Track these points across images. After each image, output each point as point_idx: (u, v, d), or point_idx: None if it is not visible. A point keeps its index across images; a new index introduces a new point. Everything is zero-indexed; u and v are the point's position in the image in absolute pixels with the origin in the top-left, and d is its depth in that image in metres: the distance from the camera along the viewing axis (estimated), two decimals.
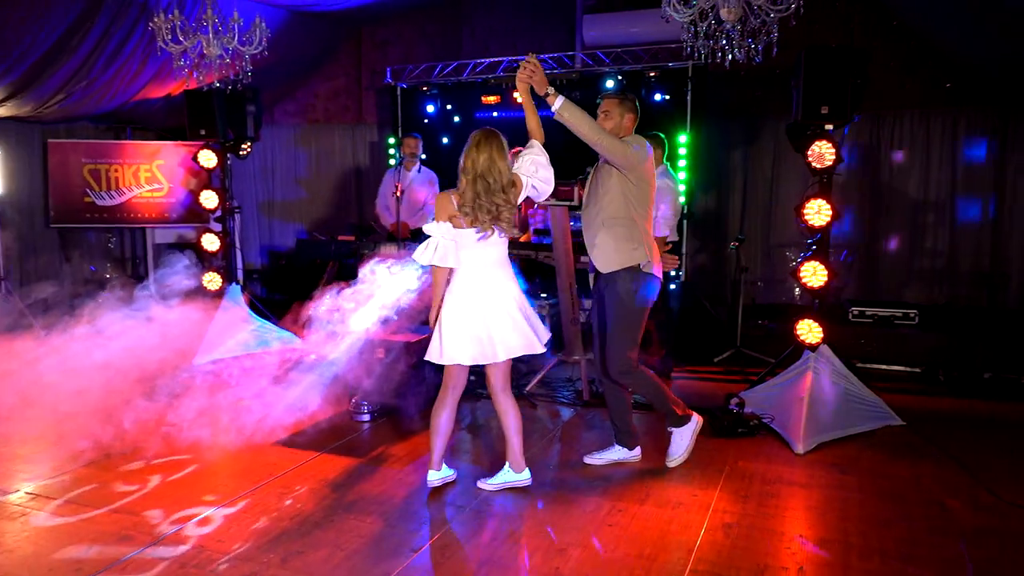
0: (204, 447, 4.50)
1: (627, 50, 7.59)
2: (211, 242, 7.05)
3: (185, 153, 8.31)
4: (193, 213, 8.31)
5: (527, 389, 5.58)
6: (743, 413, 4.73)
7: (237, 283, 7.12)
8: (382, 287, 5.62)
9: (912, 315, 6.05)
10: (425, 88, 8.32)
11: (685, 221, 7.17)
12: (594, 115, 3.99)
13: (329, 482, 3.98)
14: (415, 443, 4.60)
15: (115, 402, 4.95)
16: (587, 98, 7.65)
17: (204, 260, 7.18)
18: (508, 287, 3.73)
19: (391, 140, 8.61)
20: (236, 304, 6.98)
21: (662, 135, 6.08)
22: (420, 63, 8.60)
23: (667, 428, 4.25)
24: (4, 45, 6.22)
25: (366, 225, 7.03)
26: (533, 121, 3.83)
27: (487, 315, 3.65)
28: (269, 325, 7.00)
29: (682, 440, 4.20)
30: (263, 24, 6.00)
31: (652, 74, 7.30)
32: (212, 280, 7.02)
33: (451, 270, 3.73)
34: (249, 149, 7.15)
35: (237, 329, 6.84)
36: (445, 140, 8.44)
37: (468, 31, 9.08)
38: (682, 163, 7.07)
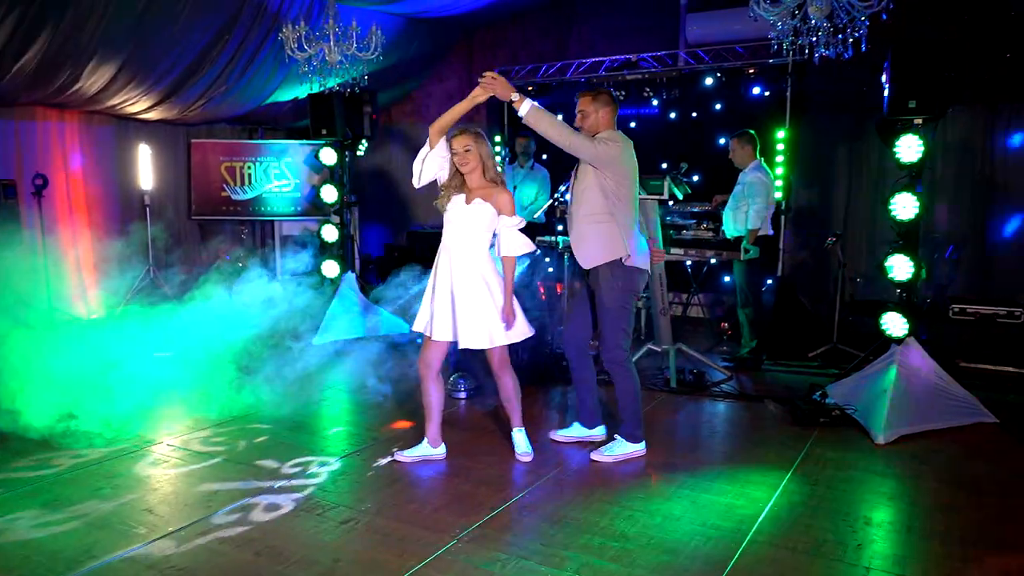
0: (319, 413, 5.03)
1: (726, 47, 7.67)
2: (331, 233, 7.67)
3: (309, 151, 9.00)
4: (315, 207, 8.99)
5: None
6: (825, 403, 4.80)
7: (353, 272, 7.72)
8: None
9: (1018, 314, 5.87)
10: (530, 88, 8.66)
11: (783, 216, 7.20)
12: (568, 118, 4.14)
13: (426, 447, 4.39)
14: (501, 419, 4.95)
15: (244, 371, 5.59)
16: (686, 96, 7.83)
17: (324, 250, 7.82)
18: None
19: (497, 139, 9.01)
20: (352, 291, 7.57)
21: (752, 132, 6.17)
22: (527, 64, 8.95)
23: (615, 433, 4.30)
24: (156, 58, 7.03)
25: None
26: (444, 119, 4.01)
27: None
28: (381, 311, 7.54)
29: (620, 449, 4.22)
30: (379, 32, 6.51)
31: (751, 71, 7.35)
32: (331, 268, 7.65)
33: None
34: (365, 147, 7.74)
35: (351, 314, 7.43)
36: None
37: (575, 33, 9.36)
38: (779, 158, 7.09)
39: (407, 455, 4.16)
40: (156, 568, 3.00)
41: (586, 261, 4.12)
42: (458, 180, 3.98)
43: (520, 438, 4.25)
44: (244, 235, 9.96)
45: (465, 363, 5.52)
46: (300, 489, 3.79)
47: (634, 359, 5.87)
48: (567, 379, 5.77)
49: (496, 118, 9.18)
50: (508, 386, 4.15)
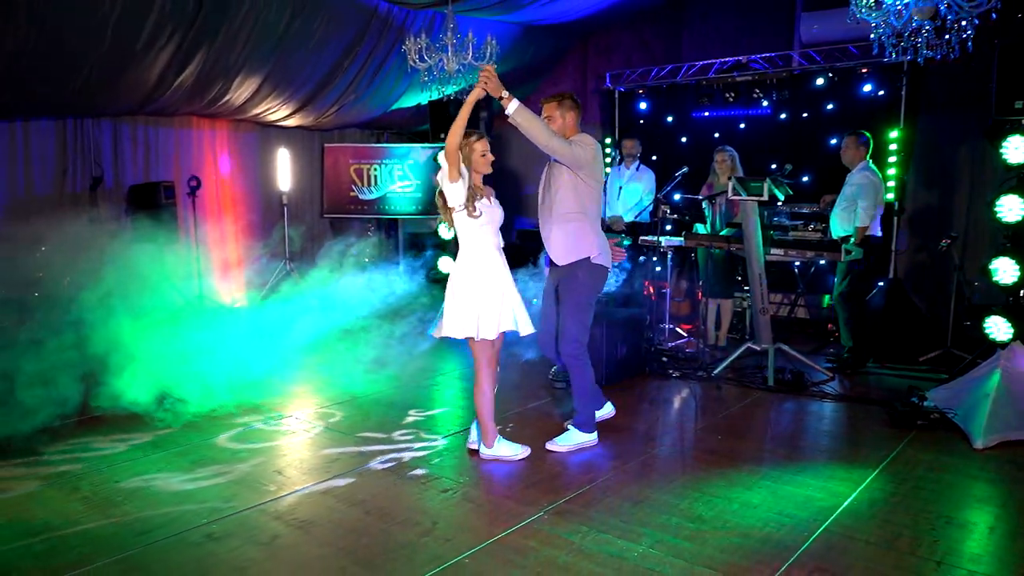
0: (430, 396, 5.48)
1: (838, 47, 7.57)
2: (447, 231, 8.15)
3: (430, 153, 9.54)
4: (435, 206, 9.48)
5: (715, 372, 5.95)
6: (923, 406, 4.78)
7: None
8: None
9: None
10: (641, 91, 8.84)
11: (896, 218, 7.06)
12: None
13: (524, 431, 4.73)
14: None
15: (365, 356, 6.14)
16: (797, 97, 7.78)
17: (442, 247, 8.33)
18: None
19: (608, 140, 9.23)
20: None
21: (867, 133, 6.12)
22: (640, 67, 9.13)
23: (566, 423, 4.49)
24: (295, 71, 7.73)
25: None
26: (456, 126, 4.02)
27: (512, 291, 4.18)
28: None
29: (572, 439, 4.38)
30: (494, 42, 6.91)
31: (864, 70, 7.24)
32: (446, 264, 8.14)
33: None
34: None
35: None
36: (659, 139, 8.90)
37: (688, 35, 9.44)
38: (892, 159, 6.96)
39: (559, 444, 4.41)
40: (282, 519, 3.49)
41: (561, 258, 4.27)
42: (473, 184, 4.07)
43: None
44: (370, 232, 10.65)
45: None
46: (407, 461, 4.22)
47: (733, 357, 6.04)
48: (666, 374, 6.00)
49: (607, 119, 9.40)
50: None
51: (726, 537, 3.32)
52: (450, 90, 7.69)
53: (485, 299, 4.01)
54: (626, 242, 7.00)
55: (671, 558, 3.13)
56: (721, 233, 6.47)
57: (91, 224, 7.59)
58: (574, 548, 3.21)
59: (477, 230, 4.05)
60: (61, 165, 7.57)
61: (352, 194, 9.90)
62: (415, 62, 7.01)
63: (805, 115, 7.86)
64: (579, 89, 10.72)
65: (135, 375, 5.09)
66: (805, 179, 7.61)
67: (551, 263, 4.43)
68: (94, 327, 5.26)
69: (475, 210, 4.00)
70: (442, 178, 4.02)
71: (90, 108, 7.29)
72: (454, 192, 4.00)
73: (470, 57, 6.95)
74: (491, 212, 4.08)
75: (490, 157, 4.10)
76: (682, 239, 6.40)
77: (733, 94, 8.04)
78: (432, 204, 9.74)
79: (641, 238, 6.83)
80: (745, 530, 3.39)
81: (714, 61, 8.27)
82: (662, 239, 6.53)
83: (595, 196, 4.29)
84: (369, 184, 9.89)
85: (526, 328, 4.16)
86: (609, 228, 7.26)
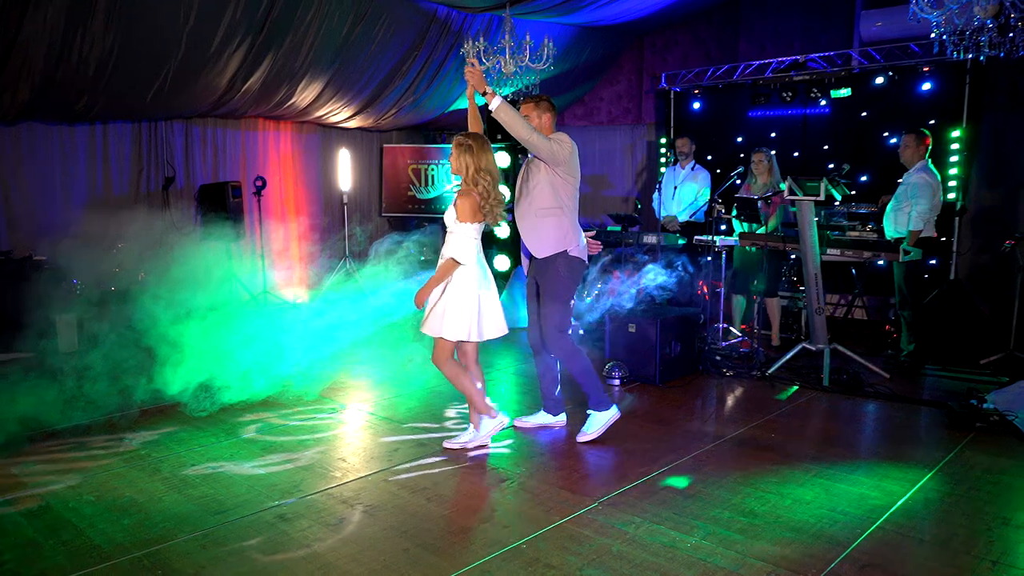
0: (486, 391, 5.61)
1: (899, 45, 7.47)
2: (503, 230, 8.31)
3: None
4: None
5: (769, 372, 5.96)
6: (982, 408, 4.73)
7: (521, 266, 8.30)
8: (638, 272, 6.40)
9: None
10: (696, 91, 8.85)
11: (957, 218, 6.95)
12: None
13: (577, 425, 4.83)
14: (652, 404, 5.30)
15: (423, 353, 6.29)
16: (856, 95, 7.70)
17: (497, 246, 8.46)
18: (491, 274, 4.30)
19: (663, 140, 9.26)
20: (522, 284, 8.15)
21: (926, 131, 6.06)
22: (696, 67, 9.14)
23: (587, 410, 4.55)
24: (356, 74, 7.97)
25: (629, 216, 7.77)
26: (478, 129, 4.31)
27: (491, 296, 4.24)
28: None
29: (597, 422, 4.51)
30: (551, 44, 7.03)
31: (925, 68, 7.14)
32: (502, 263, 8.28)
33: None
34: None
35: (520, 306, 8.00)
36: (715, 139, 8.91)
37: (745, 34, 9.41)
38: (953, 158, 6.85)
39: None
40: (348, 503, 3.67)
41: (540, 251, 4.40)
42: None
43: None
44: (427, 231, 10.87)
45: (618, 352, 5.89)
46: (472, 456, 4.36)
47: (788, 357, 6.04)
48: (720, 373, 6.04)
49: (662, 119, 9.43)
50: (478, 380, 4.43)
51: (778, 531, 3.38)
52: (506, 91, 7.83)
53: (483, 303, 4.23)
54: (681, 241, 7.05)
55: (723, 549, 3.20)
56: (757, 232, 6.48)
57: (164, 222, 7.97)
58: (628, 537, 3.31)
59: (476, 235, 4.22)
60: (137, 166, 7.95)
61: (410, 193, 10.13)
62: (473, 65, 7.16)
63: (864, 114, 7.77)
64: (634, 89, 10.77)
65: (204, 367, 5.35)
66: (863, 179, 7.55)
67: (529, 259, 4.55)
68: (166, 320, 5.54)
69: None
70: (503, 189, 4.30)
71: (165, 111, 7.65)
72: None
73: (527, 59, 7.09)
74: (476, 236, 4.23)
75: None
76: (736, 239, 6.42)
77: (790, 93, 8.00)
78: None
79: (695, 238, 6.86)
80: (797, 525, 3.44)
81: (771, 61, 8.24)
82: (716, 239, 6.56)
83: (572, 191, 4.42)
84: (426, 184, 10.11)
85: (490, 332, 4.24)
86: (664, 228, 7.31)
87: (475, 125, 4.31)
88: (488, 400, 4.45)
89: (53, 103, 6.55)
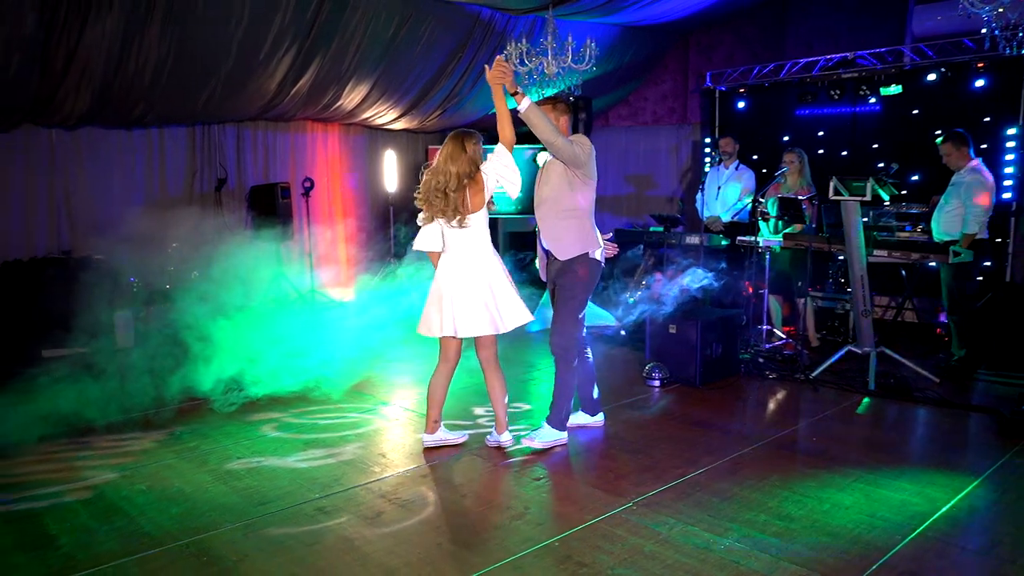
0: (525, 390, 5.67)
1: (951, 40, 7.28)
2: None
3: (529, 154, 9.73)
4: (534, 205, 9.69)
5: (813, 375, 5.88)
6: None
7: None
8: (680, 273, 6.38)
9: None
10: (742, 89, 8.75)
11: (1013, 219, 6.75)
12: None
13: (614, 426, 4.85)
14: (691, 406, 5.27)
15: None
16: (907, 93, 7.54)
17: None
18: (482, 270, 4.22)
19: (707, 140, 9.19)
20: None
21: (960, 131, 5.89)
22: (741, 66, 9.04)
23: (544, 421, 4.48)
24: (402, 76, 8.09)
25: (672, 216, 7.73)
26: (508, 130, 4.16)
27: (455, 294, 4.18)
28: (589, 303, 8.05)
29: (548, 435, 4.43)
30: (593, 44, 7.04)
31: (979, 64, 6.94)
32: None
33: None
34: None
35: None
36: (760, 138, 8.80)
37: (792, 32, 9.28)
38: (1010, 156, 6.65)
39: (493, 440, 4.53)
40: (386, 497, 3.75)
41: (563, 253, 4.36)
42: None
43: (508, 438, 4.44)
44: None
45: (660, 353, 5.88)
46: (503, 450, 4.41)
47: (833, 360, 5.94)
48: (762, 375, 5.98)
49: (707, 118, 9.35)
50: (495, 389, 4.39)
51: (815, 535, 3.35)
52: (549, 92, 7.85)
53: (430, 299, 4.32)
54: (724, 242, 6.99)
55: (757, 552, 3.19)
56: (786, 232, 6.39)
57: (216, 222, 8.20)
58: (661, 538, 3.32)
59: (457, 233, 4.25)
60: (191, 168, 8.20)
61: None
62: (516, 66, 7.22)
63: (915, 112, 7.59)
64: (679, 89, 10.70)
65: (251, 363, 5.51)
66: (914, 178, 7.38)
67: (547, 261, 4.53)
68: (216, 318, 5.72)
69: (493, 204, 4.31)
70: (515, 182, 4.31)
71: (217, 115, 7.87)
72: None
73: (569, 60, 7.11)
74: (477, 219, 4.25)
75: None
76: (780, 239, 6.34)
77: (839, 91, 7.87)
78: (530, 203, 9.99)
79: (738, 238, 6.80)
80: (835, 530, 3.40)
81: (819, 58, 8.11)
82: (760, 239, 6.49)
83: (591, 193, 4.41)
84: None
85: (463, 330, 4.20)
86: (707, 228, 7.25)
87: (506, 127, 4.21)
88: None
89: (111, 109, 6.80)
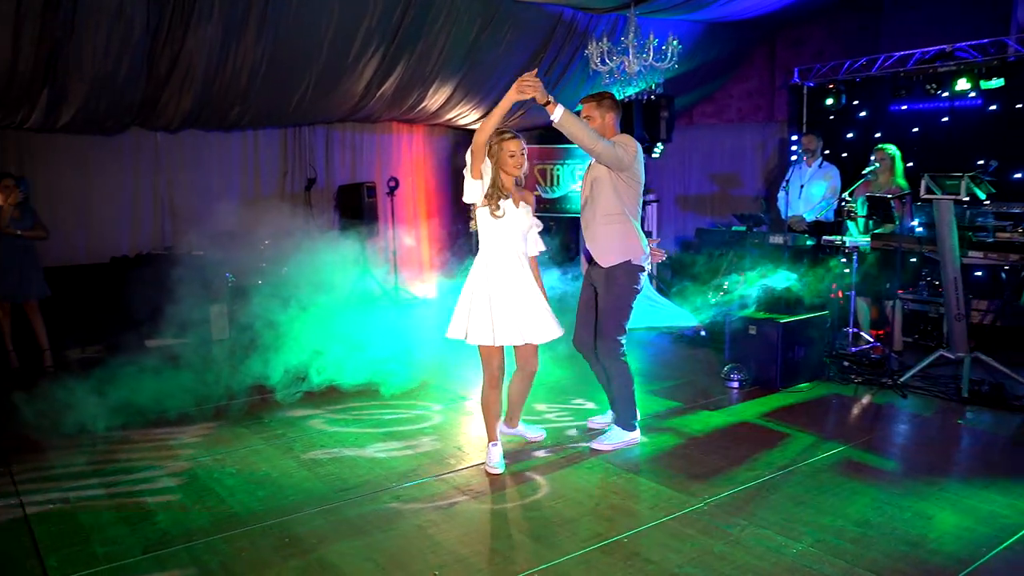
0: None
1: None
2: None
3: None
4: None
5: (902, 380, 5.67)
6: None
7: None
8: (761, 275, 6.27)
9: None
10: (832, 85, 8.49)
11: None
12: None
13: (690, 426, 4.82)
14: (770, 408, 5.18)
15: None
16: (1011, 86, 7.16)
17: None
18: (525, 273, 4.02)
19: (794, 137, 8.96)
20: (644, 285, 8.13)
21: None
22: (832, 61, 8.77)
23: (610, 422, 4.45)
24: (484, 77, 8.22)
25: (755, 216, 7.58)
26: (488, 129, 3.81)
27: (510, 299, 3.96)
28: (668, 304, 8.02)
29: (617, 437, 4.37)
30: (675, 42, 6.98)
31: None
32: None
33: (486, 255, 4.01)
34: (661, 149, 8.25)
35: (642, 306, 7.98)
36: (851, 135, 8.52)
37: (886, 24, 8.94)
38: None
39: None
40: (460, 488, 3.86)
41: (605, 260, 4.22)
42: (499, 184, 3.94)
43: (496, 451, 4.12)
44: (552, 228, 11.02)
45: (739, 355, 5.79)
46: (575, 448, 4.46)
47: (923, 365, 5.72)
48: (848, 379, 5.81)
49: (794, 114, 9.11)
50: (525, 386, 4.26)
51: (893, 544, 3.26)
52: (631, 91, 7.84)
53: (475, 304, 3.95)
54: (809, 242, 6.81)
55: (831, 558, 3.13)
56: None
57: (305, 220, 8.54)
58: (731, 539, 3.30)
59: (492, 232, 3.96)
60: (282, 168, 8.56)
61: (536, 193, 10.30)
62: (597, 65, 7.24)
63: (1019, 106, 7.19)
64: (766, 86, 10.47)
65: (339, 357, 5.73)
66: (1017, 176, 7.01)
67: (589, 262, 4.41)
68: (307, 313, 5.97)
69: (498, 208, 3.90)
70: (466, 173, 3.94)
71: (307, 117, 8.19)
72: (471, 189, 3.93)
73: (651, 58, 7.07)
74: (513, 217, 3.95)
75: (521, 160, 3.92)
76: (868, 239, 6.14)
77: (935, 85, 7.53)
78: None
79: (824, 238, 6.62)
80: (914, 539, 3.30)
81: (915, 51, 7.78)
82: (846, 239, 6.30)
83: (636, 197, 4.26)
84: (552, 183, 10.25)
85: (502, 338, 3.93)
86: (790, 228, 7.09)
87: (488, 127, 3.82)
88: (501, 426, 4.31)
89: (210, 111, 7.17)
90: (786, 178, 7.32)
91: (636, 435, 4.48)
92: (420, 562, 3.13)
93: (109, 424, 4.81)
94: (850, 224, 6.49)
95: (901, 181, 6.48)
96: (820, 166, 7.29)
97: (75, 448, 4.49)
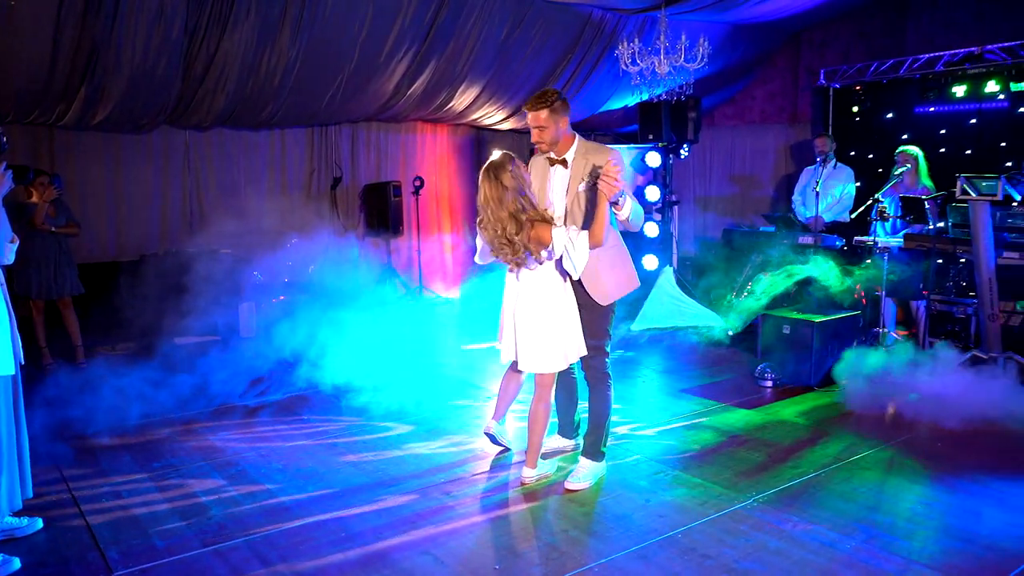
0: (632, 390, 5.71)
1: None
2: (652, 229, 8.33)
3: (636, 154, 9.75)
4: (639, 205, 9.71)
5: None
6: None
7: (671, 266, 8.30)
8: (789, 274, 6.29)
9: None
10: (858, 87, 8.50)
11: None
12: None
13: (728, 426, 4.84)
14: (808, 408, 5.19)
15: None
16: None
17: (645, 245, 8.50)
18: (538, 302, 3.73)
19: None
20: (669, 284, 8.15)
21: None
22: (857, 62, 8.77)
23: (580, 454, 3.99)
24: (512, 77, 8.24)
25: (784, 217, 7.58)
26: (599, 233, 3.53)
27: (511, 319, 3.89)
28: (694, 304, 8.02)
29: (589, 472, 3.89)
30: (706, 43, 6.99)
31: None
32: (650, 262, 8.31)
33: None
34: (688, 150, 8.28)
35: (668, 305, 8.01)
36: (877, 137, 8.52)
37: (913, 26, 8.94)
38: None
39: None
40: (511, 487, 3.89)
41: (604, 298, 3.82)
42: None
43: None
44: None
45: (770, 354, 5.80)
46: (622, 448, 4.47)
47: (957, 364, 5.71)
48: None
49: (819, 116, 9.12)
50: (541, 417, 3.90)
51: (946, 540, 3.28)
52: (659, 91, 7.86)
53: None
54: (839, 243, 6.82)
55: (886, 553, 3.15)
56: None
57: (331, 219, 8.58)
58: (785, 535, 3.32)
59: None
60: (309, 167, 8.60)
61: None
62: (627, 65, 7.25)
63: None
64: (789, 87, 10.47)
65: (366, 357, 5.74)
66: None
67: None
68: (334, 312, 6.01)
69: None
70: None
71: (336, 116, 8.23)
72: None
73: (682, 59, 7.09)
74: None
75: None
76: (900, 240, 6.15)
77: (964, 87, 7.54)
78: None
79: (855, 239, 6.62)
80: (967, 535, 3.31)
81: (942, 53, 7.78)
82: (877, 239, 6.31)
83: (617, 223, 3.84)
84: None
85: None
86: (807, 229, 7.10)
87: (599, 230, 3.54)
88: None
89: (243, 111, 7.22)
90: (801, 181, 7.34)
91: (604, 464, 4.02)
92: (478, 558, 3.15)
93: (149, 419, 4.86)
94: (878, 225, 6.49)
95: (927, 181, 6.48)
96: (835, 167, 7.31)
97: (119, 444, 4.54)
